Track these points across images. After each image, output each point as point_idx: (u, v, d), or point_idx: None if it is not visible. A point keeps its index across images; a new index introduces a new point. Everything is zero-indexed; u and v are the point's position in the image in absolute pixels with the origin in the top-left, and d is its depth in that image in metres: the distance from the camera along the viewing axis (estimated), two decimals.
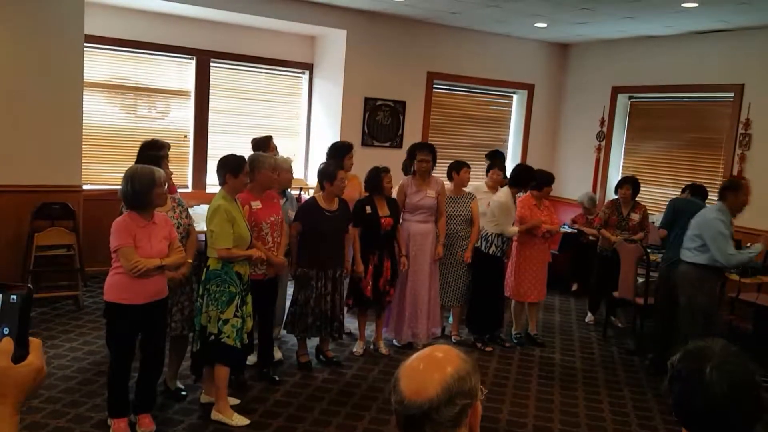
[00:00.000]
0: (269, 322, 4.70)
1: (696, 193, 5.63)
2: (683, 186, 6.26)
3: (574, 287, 7.77)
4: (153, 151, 4.25)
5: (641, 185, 8.15)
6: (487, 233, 5.58)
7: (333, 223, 4.78)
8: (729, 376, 1.47)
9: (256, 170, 4.33)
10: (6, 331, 1.02)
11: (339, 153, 5.47)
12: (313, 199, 4.94)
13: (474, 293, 5.72)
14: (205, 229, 4.04)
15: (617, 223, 6.37)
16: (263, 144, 5.48)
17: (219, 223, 3.87)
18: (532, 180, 5.72)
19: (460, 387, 1.31)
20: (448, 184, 5.89)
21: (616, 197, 6.49)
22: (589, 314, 6.75)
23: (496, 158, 6.76)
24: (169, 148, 4.68)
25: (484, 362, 5.35)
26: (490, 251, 5.56)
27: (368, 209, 5.09)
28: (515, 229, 5.55)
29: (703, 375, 1.48)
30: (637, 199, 6.49)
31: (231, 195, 4.02)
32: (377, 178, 5.11)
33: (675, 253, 5.25)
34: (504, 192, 5.62)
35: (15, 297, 1.03)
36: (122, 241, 3.49)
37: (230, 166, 4.01)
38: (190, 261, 4.05)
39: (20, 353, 1.01)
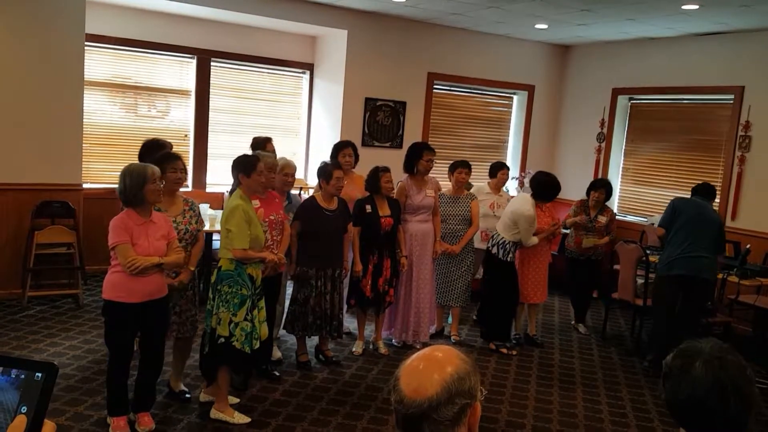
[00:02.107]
0: (269, 320, 4.69)
1: (699, 192, 5.53)
2: (689, 188, 6.12)
3: None
4: (158, 152, 4.27)
5: (642, 187, 8.23)
6: (505, 241, 5.48)
7: (332, 222, 4.79)
8: (715, 371, 1.49)
9: None
10: (24, 409, 0.99)
11: (333, 151, 5.50)
12: (312, 198, 4.95)
13: (492, 300, 5.62)
14: (215, 228, 4.02)
15: (584, 224, 6.28)
16: (261, 145, 5.49)
17: (237, 223, 3.82)
18: (556, 192, 5.70)
19: (460, 387, 1.32)
20: (447, 184, 5.92)
21: (585, 198, 6.41)
22: (581, 326, 6.52)
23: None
24: (171, 147, 4.71)
25: (483, 362, 5.36)
26: (508, 258, 5.50)
27: (368, 208, 5.10)
28: (535, 239, 5.52)
29: (691, 370, 1.52)
30: (606, 203, 6.42)
31: (247, 195, 4.01)
32: (375, 177, 5.12)
33: (672, 253, 5.27)
34: (530, 203, 5.51)
35: (39, 375, 1.01)
36: (119, 238, 3.49)
37: (242, 166, 4.00)
38: (192, 269, 4.02)
39: None
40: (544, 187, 5.66)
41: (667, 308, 5.37)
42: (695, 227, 5.24)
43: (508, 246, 5.47)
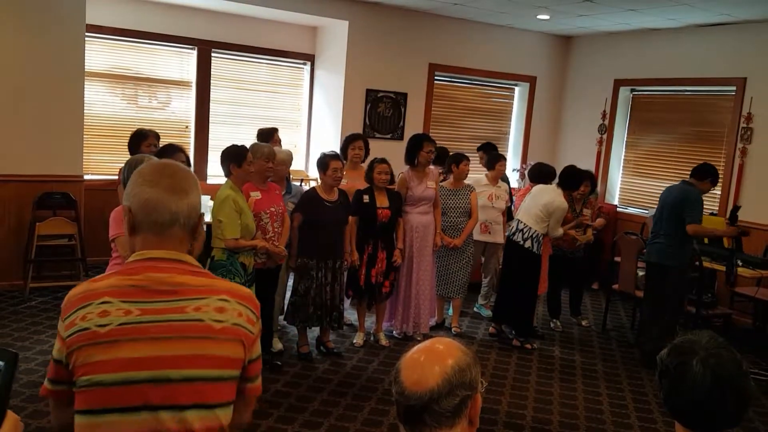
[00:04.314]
0: (269, 311, 4.71)
1: (691, 174, 5.30)
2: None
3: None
4: (141, 140, 4.35)
5: (643, 178, 8.22)
6: (538, 234, 5.39)
7: (333, 213, 4.80)
8: (714, 370, 1.49)
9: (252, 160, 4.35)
10: None
11: (344, 144, 5.54)
12: (313, 189, 4.97)
13: (519, 295, 5.50)
14: (209, 219, 4.05)
15: (572, 220, 5.91)
16: (268, 136, 5.50)
17: (228, 213, 3.89)
18: (582, 181, 5.68)
19: (461, 379, 1.33)
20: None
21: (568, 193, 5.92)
22: (582, 319, 6.45)
23: (490, 149, 6.78)
24: (157, 138, 4.82)
25: (484, 354, 5.38)
26: (540, 251, 5.45)
27: (366, 198, 5.11)
28: (561, 231, 5.47)
29: (690, 369, 1.50)
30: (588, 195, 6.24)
31: (238, 185, 4.04)
32: (370, 168, 5.16)
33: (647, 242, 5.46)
34: (560, 194, 5.45)
35: (0, 363, 0.97)
36: (120, 229, 3.48)
37: (233, 156, 4.04)
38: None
39: None
40: (571, 176, 5.62)
41: (645, 296, 5.53)
42: (660, 213, 5.29)
43: (541, 239, 5.42)
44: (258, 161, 4.35)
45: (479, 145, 7.18)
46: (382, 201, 5.15)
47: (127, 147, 4.92)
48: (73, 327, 1.41)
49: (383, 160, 5.18)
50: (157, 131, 5.32)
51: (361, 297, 5.28)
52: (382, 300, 5.35)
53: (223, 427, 1.46)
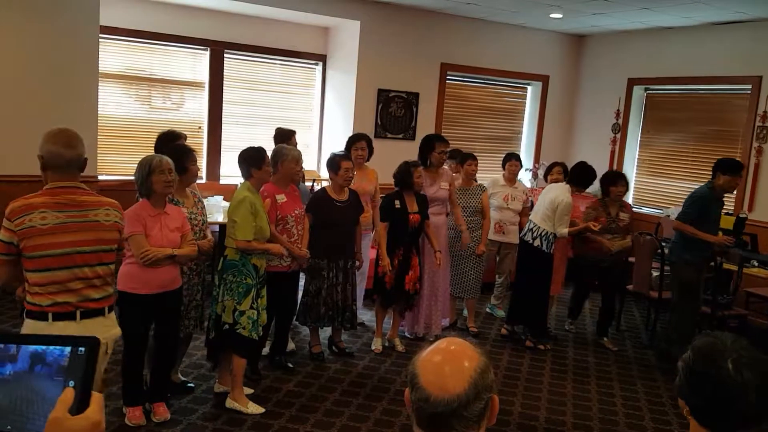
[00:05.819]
0: (289, 314, 4.72)
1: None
2: (704, 180, 5.68)
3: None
4: (173, 142, 4.31)
5: (658, 178, 8.15)
6: (548, 233, 5.33)
7: (343, 213, 4.79)
8: (751, 369, 1.47)
9: (280, 162, 4.34)
10: (71, 383, 1.02)
11: (346, 144, 5.51)
12: (323, 190, 4.96)
13: (532, 295, 5.47)
14: (222, 219, 4.06)
15: (607, 225, 5.49)
16: (285, 137, 5.49)
17: (243, 214, 3.90)
18: (593, 179, 5.57)
19: (484, 381, 1.29)
20: (456, 175, 5.87)
21: (601, 196, 5.68)
22: (606, 339, 6.04)
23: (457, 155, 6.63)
24: (185, 139, 4.74)
25: (496, 355, 5.35)
26: (552, 251, 5.40)
27: (397, 204, 5.05)
28: (566, 230, 5.34)
29: (718, 371, 1.48)
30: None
31: (256, 187, 4.05)
32: (407, 173, 5.04)
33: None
34: (567, 191, 5.38)
35: (83, 349, 1.04)
36: (132, 228, 3.52)
37: (253, 159, 4.04)
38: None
39: (80, 405, 1.01)
40: (575, 173, 5.54)
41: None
42: None
43: (551, 237, 5.35)
44: (288, 164, 4.36)
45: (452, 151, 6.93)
46: (413, 206, 5.08)
47: (153, 147, 4.80)
48: (23, 224, 2.66)
49: (418, 164, 5.13)
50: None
51: (390, 302, 5.22)
52: (413, 306, 5.30)
53: (112, 273, 2.89)
